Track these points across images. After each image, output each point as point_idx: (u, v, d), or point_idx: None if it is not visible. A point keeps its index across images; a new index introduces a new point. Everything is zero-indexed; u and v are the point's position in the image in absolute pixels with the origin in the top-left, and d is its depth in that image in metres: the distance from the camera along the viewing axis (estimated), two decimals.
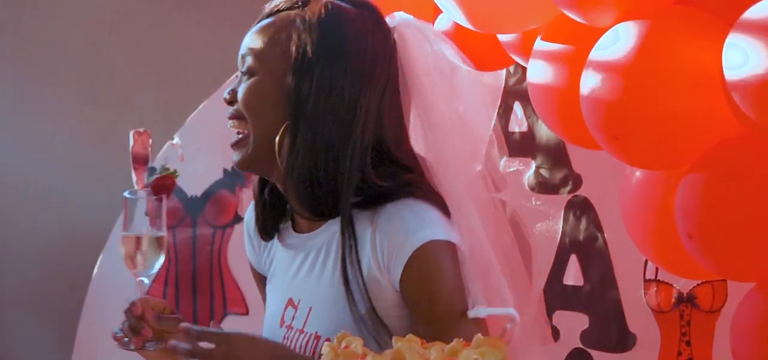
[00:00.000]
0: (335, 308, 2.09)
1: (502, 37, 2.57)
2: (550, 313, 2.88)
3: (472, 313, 1.99)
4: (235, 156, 2.15)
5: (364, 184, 2.07)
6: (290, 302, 2.18)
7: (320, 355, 1.81)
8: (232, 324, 3.36)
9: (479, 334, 1.78)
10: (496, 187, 2.21)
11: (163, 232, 2.28)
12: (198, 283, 3.40)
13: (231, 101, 2.15)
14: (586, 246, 2.86)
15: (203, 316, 3.39)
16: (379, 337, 2.06)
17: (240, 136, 2.14)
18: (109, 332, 2.24)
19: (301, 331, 2.14)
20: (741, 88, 1.91)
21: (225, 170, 3.34)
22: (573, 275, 2.87)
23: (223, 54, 2.71)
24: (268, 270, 2.30)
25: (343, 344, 1.78)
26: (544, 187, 2.92)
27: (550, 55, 2.34)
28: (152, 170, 3.40)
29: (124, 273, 2.35)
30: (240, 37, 2.19)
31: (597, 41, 2.17)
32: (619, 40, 2.11)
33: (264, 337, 2.17)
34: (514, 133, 2.95)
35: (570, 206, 2.89)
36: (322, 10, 2.09)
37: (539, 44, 2.37)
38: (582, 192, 2.88)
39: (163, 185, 2.29)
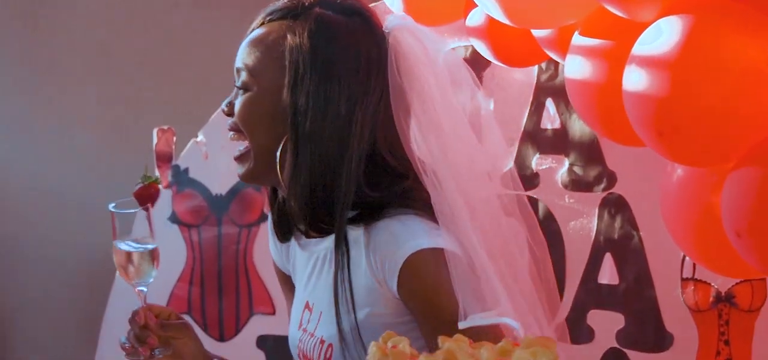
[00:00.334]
0: (330, 315, 2.10)
1: (537, 33, 2.55)
2: (584, 313, 2.86)
3: (463, 324, 1.96)
4: (238, 169, 2.15)
5: (357, 198, 2.06)
6: (307, 305, 2.20)
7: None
8: (258, 324, 3.35)
9: (529, 334, 1.74)
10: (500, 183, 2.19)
11: (153, 244, 2.24)
12: (223, 282, 3.37)
13: (229, 113, 2.15)
14: (621, 244, 2.84)
15: (229, 316, 3.37)
16: (358, 356, 2.06)
17: (243, 150, 2.14)
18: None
19: (312, 335, 2.15)
20: None
21: None
22: (608, 274, 2.85)
23: None
24: (291, 270, 2.31)
25: (390, 344, 1.74)
26: (577, 184, 2.90)
27: (589, 51, 2.31)
28: (176, 168, 3.40)
29: None
30: None
31: (637, 36, 2.14)
32: (662, 35, 2.08)
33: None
34: (546, 130, 2.94)
35: (604, 204, 2.87)
36: (313, 24, 2.08)
37: (577, 39, 2.35)
38: (616, 190, 2.86)
39: (147, 194, 2.26)
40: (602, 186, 2.87)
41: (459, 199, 2.05)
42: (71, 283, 3.91)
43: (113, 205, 2.24)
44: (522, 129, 2.96)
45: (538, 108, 2.93)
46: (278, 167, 2.08)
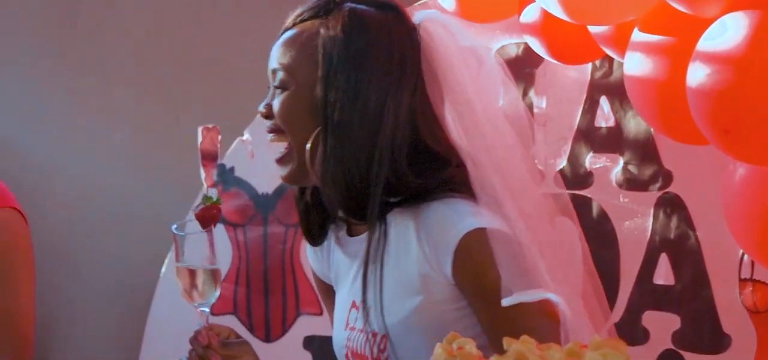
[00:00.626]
0: (380, 308, 2.09)
1: (594, 29, 2.52)
2: (639, 314, 2.84)
3: (509, 301, 1.96)
4: (281, 171, 2.15)
5: (401, 184, 2.06)
6: (353, 304, 2.18)
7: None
8: (305, 324, 3.33)
9: (597, 336, 1.71)
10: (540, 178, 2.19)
11: (216, 265, 2.23)
12: (270, 282, 3.36)
13: (267, 116, 2.16)
14: (678, 244, 2.82)
15: (275, 316, 3.36)
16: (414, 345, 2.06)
17: (284, 151, 2.14)
18: (178, 330, 2.26)
19: (362, 331, 2.13)
20: None
21: None
22: (663, 274, 2.84)
23: None
24: (333, 277, 2.30)
25: (456, 345, 1.71)
26: (632, 183, 2.88)
27: (650, 47, 2.29)
28: (222, 167, 3.38)
29: None
30: None
31: (699, 32, 2.12)
32: (727, 31, 2.05)
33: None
34: (600, 128, 2.92)
35: (660, 203, 2.85)
36: (345, 17, 2.09)
37: (637, 35, 2.32)
38: (673, 189, 2.83)
39: (210, 216, 2.23)
40: (658, 185, 2.85)
41: (500, 182, 2.05)
42: (112, 289, 3.90)
43: (175, 226, 2.22)
44: (575, 127, 2.93)
45: (591, 106, 2.92)
46: (309, 159, 2.08)
